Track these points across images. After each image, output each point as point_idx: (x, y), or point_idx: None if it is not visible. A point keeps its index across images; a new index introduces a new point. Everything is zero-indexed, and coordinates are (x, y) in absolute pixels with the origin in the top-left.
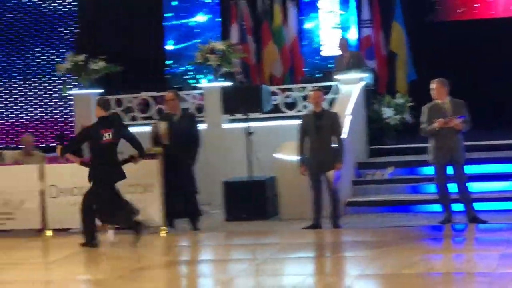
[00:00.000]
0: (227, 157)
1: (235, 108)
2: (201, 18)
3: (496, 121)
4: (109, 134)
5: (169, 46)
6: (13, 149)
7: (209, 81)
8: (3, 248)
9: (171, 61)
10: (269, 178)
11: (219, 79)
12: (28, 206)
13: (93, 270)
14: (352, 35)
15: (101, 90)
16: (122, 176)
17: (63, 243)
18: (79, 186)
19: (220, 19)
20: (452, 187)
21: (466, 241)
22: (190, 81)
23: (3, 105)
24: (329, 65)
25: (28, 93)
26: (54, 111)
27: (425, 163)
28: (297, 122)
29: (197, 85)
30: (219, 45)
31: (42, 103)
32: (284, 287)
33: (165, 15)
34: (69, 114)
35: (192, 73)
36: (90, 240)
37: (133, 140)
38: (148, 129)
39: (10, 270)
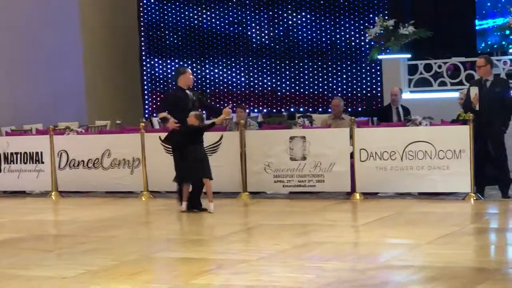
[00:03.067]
0: None
1: None
2: None
3: None
4: None
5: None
6: (322, 113)
7: None
8: (313, 209)
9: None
10: None
11: None
12: (338, 169)
13: (402, 235)
14: None
15: (409, 55)
16: None
17: (372, 206)
18: (389, 150)
19: None
20: None
21: None
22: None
23: (310, 72)
24: None
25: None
26: (362, 75)
27: None
28: None
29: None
30: None
31: (350, 68)
32: None
33: None
34: (377, 78)
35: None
36: None
37: None
38: (456, 94)
39: (321, 232)
